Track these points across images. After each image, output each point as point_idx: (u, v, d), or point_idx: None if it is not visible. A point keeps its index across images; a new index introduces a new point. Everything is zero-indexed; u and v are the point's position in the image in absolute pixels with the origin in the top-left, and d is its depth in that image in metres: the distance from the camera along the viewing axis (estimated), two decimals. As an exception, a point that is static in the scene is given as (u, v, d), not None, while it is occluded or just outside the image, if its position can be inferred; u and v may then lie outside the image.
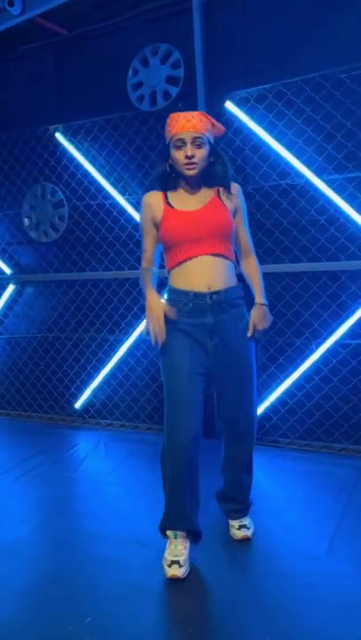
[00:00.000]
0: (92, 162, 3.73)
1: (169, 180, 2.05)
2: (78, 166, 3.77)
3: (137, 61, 3.39)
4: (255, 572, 2.06)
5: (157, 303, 1.99)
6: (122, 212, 3.65)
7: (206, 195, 2.05)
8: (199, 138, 1.94)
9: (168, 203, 2.03)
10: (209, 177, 2.04)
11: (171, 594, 1.97)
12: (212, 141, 2.02)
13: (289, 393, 3.26)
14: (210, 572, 2.08)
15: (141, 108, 3.42)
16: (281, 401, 3.29)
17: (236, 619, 1.82)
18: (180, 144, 1.94)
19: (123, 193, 3.65)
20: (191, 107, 3.30)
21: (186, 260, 1.99)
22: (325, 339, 3.13)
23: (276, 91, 3.10)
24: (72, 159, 3.79)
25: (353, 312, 3.05)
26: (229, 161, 2.12)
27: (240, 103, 3.22)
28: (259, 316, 2.12)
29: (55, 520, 2.56)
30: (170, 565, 2.02)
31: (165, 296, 2.09)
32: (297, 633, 1.73)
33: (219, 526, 2.35)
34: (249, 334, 2.08)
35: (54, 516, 2.59)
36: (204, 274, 1.98)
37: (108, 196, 3.70)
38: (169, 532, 2.08)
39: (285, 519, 2.44)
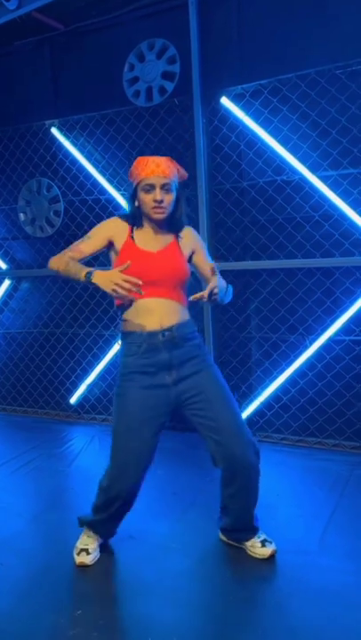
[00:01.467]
0: (88, 157, 3.73)
1: (136, 218, 2.05)
2: (74, 161, 3.77)
3: (133, 56, 3.39)
4: (245, 566, 2.08)
5: (110, 272, 1.83)
6: (117, 207, 3.65)
7: (167, 238, 2.06)
8: (167, 184, 1.96)
9: (132, 237, 2.03)
10: (171, 221, 2.06)
11: (161, 588, 1.98)
12: (177, 187, 2.03)
13: (283, 389, 3.27)
14: (200, 566, 2.10)
15: (137, 104, 3.41)
16: (275, 397, 3.30)
17: (225, 611, 1.84)
18: (149, 188, 1.95)
19: (118, 188, 3.65)
20: (187, 102, 3.31)
21: (137, 300, 1.96)
22: (319, 335, 3.14)
23: (271, 86, 3.11)
24: (68, 154, 3.79)
25: (347, 308, 3.06)
26: (186, 205, 2.12)
27: (236, 99, 3.23)
28: (214, 281, 1.83)
29: (49, 514, 2.57)
30: (78, 553, 2.14)
31: (120, 343, 2.08)
32: (285, 625, 1.75)
33: (205, 525, 2.36)
34: (193, 297, 1.82)
35: (49, 510, 2.60)
36: (155, 314, 1.97)
37: (103, 192, 3.70)
38: (88, 531, 2.20)
39: (278, 513, 2.46)
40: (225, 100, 3.23)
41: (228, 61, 3.24)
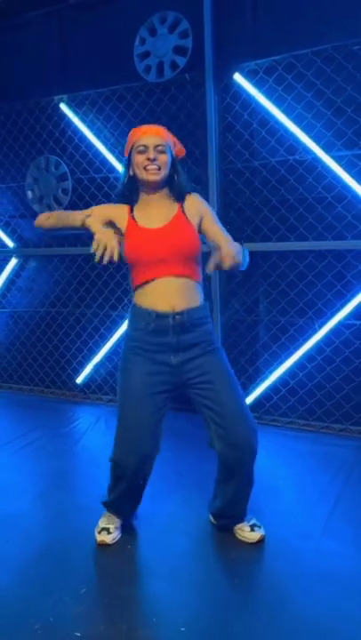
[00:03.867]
0: (97, 134, 3.66)
1: (132, 194, 1.99)
2: (83, 138, 3.71)
3: (144, 30, 3.30)
4: (249, 549, 2.07)
5: (110, 233, 1.84)
6: (126, 186, 3.59)
7: (170, 210, 1.97)
8: (161, 145, 1.91)
9: (132, 216, 1.97)
10: (171, 190, 1.99)
11: (165, 569, 1.98)
12: (173, 154, 1.98)
13: (290, 372, 3.25)
14: (204, 547, 2.10)
15: (148, 79, 3.34)
16: (282, 380, 3.28)
17: (228, 592, 1.84)
18: (143, 149, 1.91)
19: (127, 167, 3.58)
20: (199, 79, 3.23)
21: (149, 281, 1.93)
22: (329, 319, 3.10)
23: (285, 62, 3.02)
24: (77, 131, 3.72)
25: (357, 292, 3.01)
26: (185, 173, 2.04)
27: (249, 75, 3.14)
28: (229, 247, 1.75)
29: (54, 493, 2.58)
30: (100, 532, 2.14)
31: (129, 315, 2.04)
32: (288, 608, 1.74)
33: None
34: (208, 269, 1.76)
35: (53, 489, 2.61)
36: (167, 295, 1.92)
37: (112, 170, 3.64)
38: (110, 512, 2.20)
39: (282, 497, 2.45)
40: (238, 77, 3.15)
41: (242, 36, 3.15)
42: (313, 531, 2.17)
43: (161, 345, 1.95)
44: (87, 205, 3.71)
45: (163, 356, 1.95)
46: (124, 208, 2.00)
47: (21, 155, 4.00)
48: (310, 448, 2.97)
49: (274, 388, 3.31)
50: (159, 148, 1.91)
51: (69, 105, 3.73)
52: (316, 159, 3.02)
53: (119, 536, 2.17)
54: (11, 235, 4.15)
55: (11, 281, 4.23)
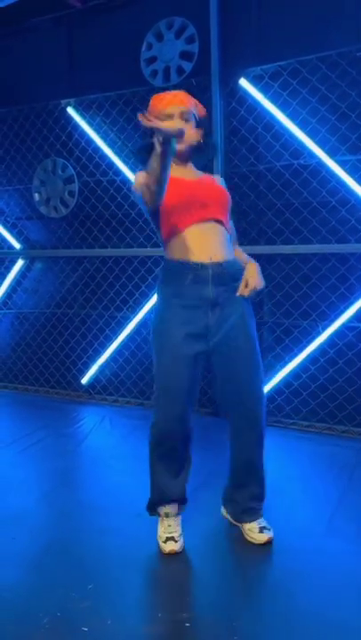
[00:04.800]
0: (104, 137, 3.71)
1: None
2: (90, 142, 3.75)
3: (151, 35, 3.35)
4: (252, 547, 2.09)
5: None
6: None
7: (197, 173, 2.05)
8: (186, 112, 1.93)
9: None
10: (197, 152, 2.01)
11: (169, 564, 2.01)
12: (197, 117, 1.99)
13: (294, 374, 3.27)
14: (208, 546, 2.12)
15: (154, 84, 3.38)
16: (285, 382, 3.30)
17: (231, 591, 1.86)
18: (167, 119, 1.90)
19: (133, 170, 3.63)
20: (205, 83, 3.27)
21: (188, 227, 1.91)
22: (332, 321, 3.13)
23: (291, 68, 3.06)
24: (83, 134, 3.77)
25: (361, 295, 3.04)
26: (210, 135, 2.07)
27: (254, 80, 3.18)
28: (252, 272, 1.97)
29: (59, 492, 2.60)
30: (165, 542, 2.05)
31: (160, 273, 2.02)
32: (292, 605, 1.77)
33: (215, 506, 2.38)
34: (238, 293, 1.94)
35: (58, 488, 2.64)
36: (205, 243, 1.91)
37: (118, 173, 3.68)
38: (162, 511, 2.10)
39: (286, 497, 2.47)
40: (243, 82, 3.19)
41: (248, 42, 3.19)
42: (316, 529, 2.19)
43: (199, 300, 1.91)
44: (93, 208, 3.79)
45: (200, 312, 1.92)
46: None
47: (29, 157, 4.04)
48: (313, 449, 3.00)
49: (277, 390, 3.33)
50: (185, 116, 1.92)
51: (76, 109, 3.77)
52: (321, 163, 3.05)
53: (184, 543, 2.07)
54: (17, 236, 4.19)
55: (17, 282, 4.27)
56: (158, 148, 1.64)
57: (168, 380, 1.97)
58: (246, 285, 1.96)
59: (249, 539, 2.12)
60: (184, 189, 1.94)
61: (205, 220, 1.93)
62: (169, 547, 2.04)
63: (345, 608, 1.75)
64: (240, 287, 1.96)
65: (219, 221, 1.95)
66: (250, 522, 2.13)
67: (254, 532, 2.11)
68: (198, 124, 1.99)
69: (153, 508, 2.13)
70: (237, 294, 1.95)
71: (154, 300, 3.64)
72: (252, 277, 1.97)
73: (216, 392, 2.09)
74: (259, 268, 2.02)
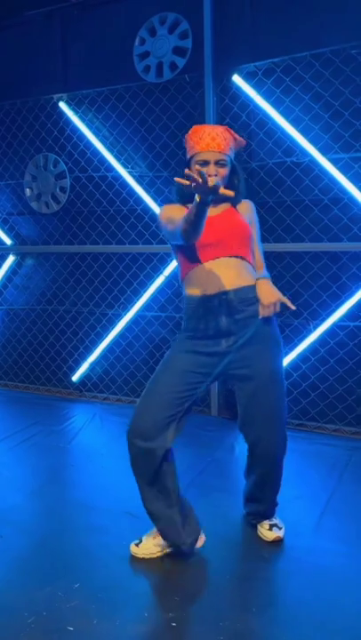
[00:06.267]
0: (96, 133, 3.68)
1: (188, 194, 1.94)
2: (81, 137, 3.72)
3: (144, 30, 3.32)
4: (242, 544, 2.09)
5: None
6: (124, 185, 3.61)
7: (222, 207, 2.01)
8: (223, 159, 1.90)
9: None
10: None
11: (158, 563, 2.00)
12: (233, 159, 1.97)
13: (285, 373, 3.26)
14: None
15: (147, 79, 3.36)
16: (277, 380, 3.29)
17: (221, 588, 1.85)
18: (203, 163, 1.90)
19: (125, 166, 3.60)
20: (198, 79, 3.25)
21: (203, 263, 1.91)
22: (324, 320, 3.13)
23: (284, 65, 3.04)
24: (75, 129, 3.74)
25: (353, 294, 3.04)
26: (244, 179, 2.05)
27: (248, 77, 3.16)
28: (263, 290, 1.95)
29: (48, 489, 2.59)
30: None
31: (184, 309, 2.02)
32: (282, 604, 1.76)
33: (203, 505, 2.37)
34: (260, 316, 1.93)
35: (48, 486, 2.62)
36: (215, 276, 1.90)
37: (110, 169, 3.65)
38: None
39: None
40: (237, 78, 3.17)
41: (241, 38, 3.17)
42: (306, 528, 2.19)
43: (213, 329, 1.91)
44: (85, 204, 3.77)
45: (214, 342, 1.92)
46: (182, 208, 1.95)
47: (20, 152, 4.01)
48: (304, 448, 2.99)
49: (268, 388, 3.32)
50: (220, 162, 1.90)
51: (69, 104, 3.74)
52: (314, 161, 3.04)
53: (159, 551, 2.02)
54: (8, 232, 4.16)
55: (8, 278, 4.24)
56: (197, 198, 1.63)
57: (153, 384, 1.95)
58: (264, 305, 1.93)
59: (260, 535, 2.16)
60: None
61: (220, 257, 1.92)
62: (131, 546, 2.07)
63: (333, 607, 1.75)
64: (260, 309, 1.94)
65: (233, 256, 1.93)
66: (262, 521, 2.18)
67: (265, 528, 2.16)
68: (233, 165, 1.96)
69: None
70: (260, 317, 1.94)
71: (145, 297, 3.64)
72: (265, 295, 1.94)
73: (238, 413, 2.07)
74: (269, 283, 1.98)
